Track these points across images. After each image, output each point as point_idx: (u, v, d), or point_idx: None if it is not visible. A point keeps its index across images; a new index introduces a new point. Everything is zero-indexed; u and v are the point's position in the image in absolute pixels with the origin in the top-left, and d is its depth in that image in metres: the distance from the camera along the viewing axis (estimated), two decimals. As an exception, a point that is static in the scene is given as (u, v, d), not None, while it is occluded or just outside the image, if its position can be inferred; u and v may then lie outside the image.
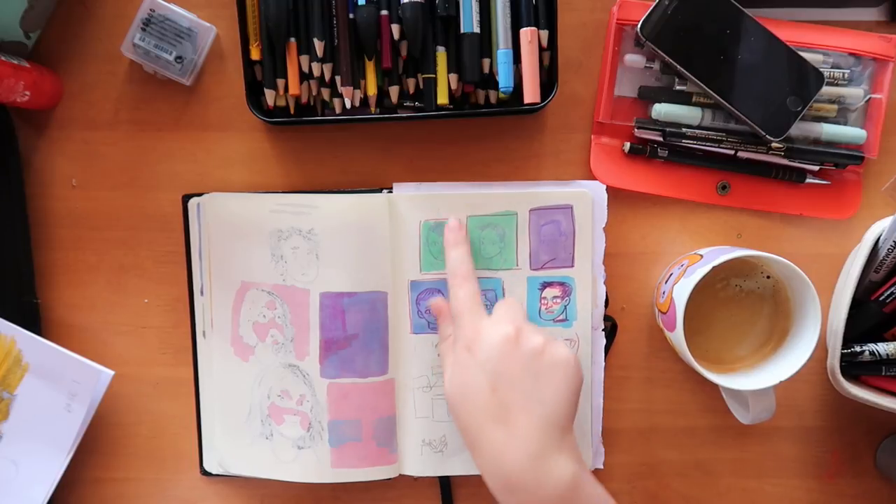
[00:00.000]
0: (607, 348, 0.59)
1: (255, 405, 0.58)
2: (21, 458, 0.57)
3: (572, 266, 0.57)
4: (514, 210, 0.57)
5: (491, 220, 0.57)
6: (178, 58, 0.56)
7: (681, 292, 0.53)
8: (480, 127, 0.59)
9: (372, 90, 0.56)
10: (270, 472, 0.58)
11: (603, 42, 0.58)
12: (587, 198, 0.57)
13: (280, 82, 0.56)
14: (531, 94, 0.54)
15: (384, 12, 0.54)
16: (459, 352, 0.49)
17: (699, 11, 0.55)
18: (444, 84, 0.56)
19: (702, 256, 0.55)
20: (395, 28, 0.54)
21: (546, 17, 0.55)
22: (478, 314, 0.51)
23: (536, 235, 0.57)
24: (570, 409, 0.48)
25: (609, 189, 0.57)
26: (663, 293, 0.56)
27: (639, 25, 0.55)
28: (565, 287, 0.58)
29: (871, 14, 0.58)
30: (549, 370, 0.47)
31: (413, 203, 0.57)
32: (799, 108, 0.56)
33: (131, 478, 0.61)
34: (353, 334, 0.57)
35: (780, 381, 0.53)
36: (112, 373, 0.57)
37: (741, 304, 0.58)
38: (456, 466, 0.58)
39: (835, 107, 0.57)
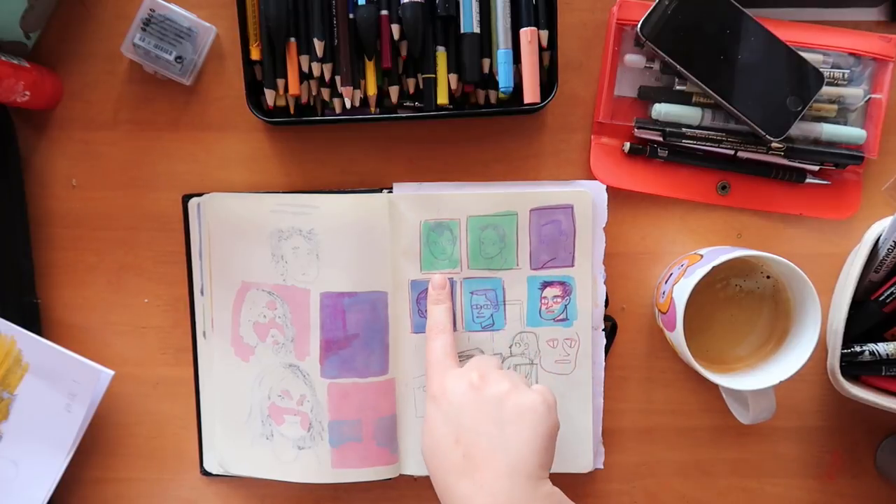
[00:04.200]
0: (607, 348, 0.59)
1: (256, 405, 0.58)
2: (21, 458, 0.57)
3: (572, 266, 0.57)
4: (514, 210, 0.57)
5: (491, 220, 0.57)
6: (178, 58, 0.56)
7: (681, 292, 0.53)
8: (480, 127, 0.59)
9: (372, 90, 0.56)
10: (271, 473, 0.58)
11: (603, 42, 0.58)
12: (587, 198, 0.57)
13: (280, 82, 0.56)
14: (531, 94, 0.54)
15: (384, 12, 0.54)
16: (427, 404, 0.49)
17: (699, 11, 0.55)
18: (444, 84, 0.56)
19: (702, 256, 0.55)
20: (395, 28, 0.54)
21: (546, 17, 0.55)
22: (446, 365, 0.51)
23: (537, 235, 0.57)
24: (540, 456, 0.45)
25: (609, 189, 0.57)
26: (663, 293, 0.56)
27: (639, 25, 0.55)
28: (566, 286, 0.58)
29: (871, 14, 0.58)
30: (514, 417, 0.45)
31: (413, 203, 0.57)
32: (799, 108, 0.56)
33: (131, 478, 0.61)
34: (354, 334, 0.57)
35: (780, 381, 0.53)
36: (112, 373, 0.57)
37: (741, 304, 0.58)
38: (456, 466, 0.58)
39: (835, 107, 0.57)
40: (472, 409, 0.46)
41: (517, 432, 0.45)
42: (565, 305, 0.58)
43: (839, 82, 0.57)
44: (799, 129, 0.57)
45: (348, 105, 0.56)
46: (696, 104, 0.57)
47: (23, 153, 0.58)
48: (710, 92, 0.55)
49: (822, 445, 0.61)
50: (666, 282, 0.57)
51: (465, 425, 0.46)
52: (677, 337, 0.53)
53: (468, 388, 0.47)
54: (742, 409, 0.57)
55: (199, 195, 0.58)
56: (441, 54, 0.55)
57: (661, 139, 0.57)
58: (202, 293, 0.58)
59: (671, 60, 0.55)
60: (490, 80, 0.56)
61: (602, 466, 0.60)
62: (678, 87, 0.57)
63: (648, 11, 0.55)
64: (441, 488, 0.46)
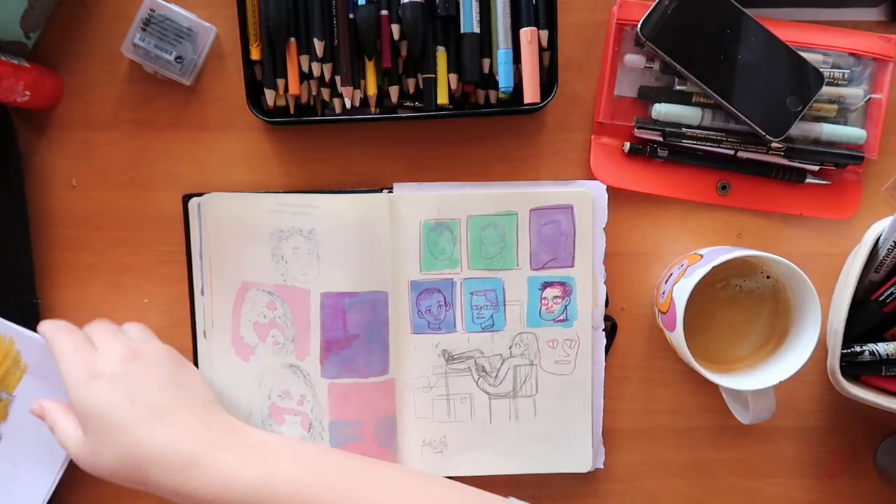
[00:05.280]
0: (607, 348, 0.59)
1: (256, 405, 0.58)
2: (20, 458, 0.57)
3: (573, 266, 0.57)
4: (514, 210, 0.57)
5: (492, 220, 0.57)
6: (178, 58, 0.56)
7: (681, 292, 0.53)
8: (480, 127, 0.59)
9: (372, 90, 0.56)
10: (270, 473, 0.58)
11: (603, 42, 0.58)
12: (587, 198, 0.57)
13: (280, 82, 0.56)
14: (531, 94, 0.54)
15: (384, 12, 0.54)
16: (91, 385, 0.49)
17: (699, 11, 0.55)
18: (444, 84, 0.56)
19: (702, 256, 0.55)
20: (395, 28, 0.54)
21: (546, 17, 0.55)
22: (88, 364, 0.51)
23: (537, 235, 0.57)
24: (207, 391, 0.53)
25: (609, 189, 0.57)
26: (663, 293, 0.56)
27: (639, 25, 0.55)
28: (566, 287, 0.58)
29: (871, 14, 0.58)
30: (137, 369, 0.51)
31: (413, 203, 0.57)
32: (799, 108, 0.56)
33: (131, 478, 0.61)
34: (354, 334, 0.57)
35: (780, 381, 0.53)
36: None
37: (741, 304, 0.58)
38: (456, 467, 0.58)
39: (835, 107, 0.57)
40: (143, 368, 0.50)
41: (190, 376, 0.53)
42: (565, 306, 0.58)
43: (839, 82, 0.57)
44: (799, 129, 0.57)
45: (348, 105, 0.56)
46: (696, 104, 0.57)
47: (23, 153, 0.58)
48: (710, 92, 0.55)
49: (822, 445, 0.61)
50: (666, 282, 0.57)
51: (138, 385, 0.49)
52: (677, 337, 0.53)
53: (128, 353, 0.51)
54: (742, 409, 0.57)
55: (200, 195, 0.58)
56: (441, 54, 0.55)
57: (661, 139, 0.57)
58: (202, 293, 0.58)
59: (671, 60, 0.55)
60: (490, 80, 0.56)
61: (602, 466, 0.60)
62: (678, 87, 0.57)
63: (648, 11, 0.55)
64: (127, 451, 0.48)
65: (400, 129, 0.59)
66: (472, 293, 0.58)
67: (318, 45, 0.54)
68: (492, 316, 0.58)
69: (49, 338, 0.53)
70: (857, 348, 0.55)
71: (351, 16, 0.55)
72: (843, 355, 0.55)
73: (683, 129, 0.57)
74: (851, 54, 0.57)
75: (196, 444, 0.48)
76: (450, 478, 0.60)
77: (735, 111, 0.56)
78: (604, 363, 0.59)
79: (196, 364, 0.59)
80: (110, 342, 0.52)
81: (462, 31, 0.55)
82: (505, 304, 0.58)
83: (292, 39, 0.55)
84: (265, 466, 0.48)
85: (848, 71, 0.57)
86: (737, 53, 0.55)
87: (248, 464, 0.48)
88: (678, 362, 0.60)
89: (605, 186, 0.57)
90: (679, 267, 0.56)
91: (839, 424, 0.61)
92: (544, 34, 0.55)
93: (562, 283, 0.58)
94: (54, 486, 0.57)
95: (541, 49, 0.55)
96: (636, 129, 0.58)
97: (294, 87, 0.56)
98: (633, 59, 0.57)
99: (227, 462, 0.48)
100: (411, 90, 0.57)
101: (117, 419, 0.48)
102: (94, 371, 0.50)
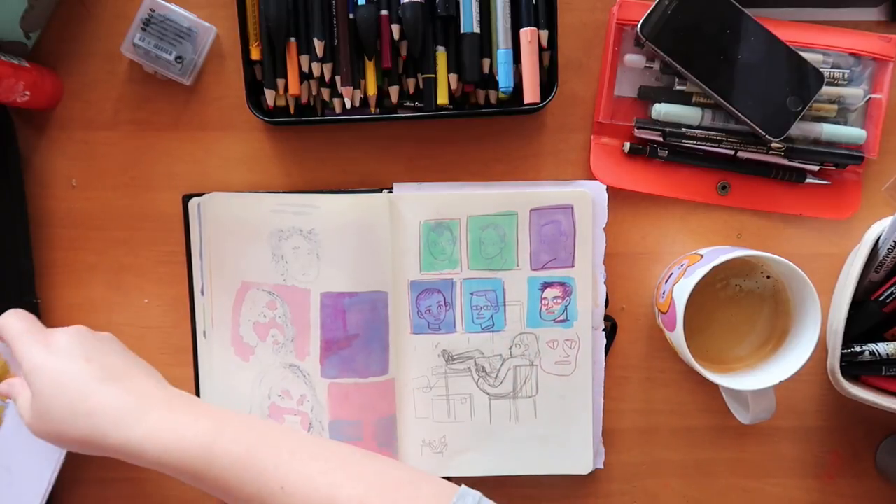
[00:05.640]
0: (607, 348, 0.59)
1: (256, 405, 0.58)
2: (14, 464, 0.57)
3: (573, 266, 0.57)
4: (514, 210, 0.57)
5: (492, 220, 0.57)
6: (178, 58, 0.56)
7: (681, 292, 0.53)
8: (480, 127, 0.59)
9: (372, 90, 0.56)
10: (270, 472, 0.58)
11: (603, 42, 0.58)
12: (587, 198, 0.57)
13: (280, 82, 0.56)
14: (531, 94, 0.54)
15: (384, 12, 0.54)
16: (47, 358, 0.50)
17: (699, 11, 0.55)
18: (444, 84, 0.56)
19: (702, 256, 0.55)
20: (395, 28, 0.54)
21: (546, 17, 0.55)
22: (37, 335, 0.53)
23: (537, 235, 0.57)
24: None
25: (609, 189, 0.57)
26: (663, 293, 0.56)
27: (639, 25, 0.55)
28: (566, 287, 0.58)
29: (871, 14, 0.58)
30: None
31: (413, 203, 0.57)
32: (799, 108, 0.56)
33: (131, 478, 0.61)
34: (354, 334, 0.57)
35: (780, 381, 0.53)
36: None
37: (741, 304, 0.58)
38: (456, 467, 0.58)
39: (835, 107, 0.57)
40: (97, 340, 0.53)
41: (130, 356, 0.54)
42: (565, 306, 0.58)
43: (839, 82, 0.57)
44: (799, 129, 0.57)
45: (348, 105, 0.56)
46: (696, 104, 0.57)
47: (23, 153, 0.58)
48: (710, 92, 0.55)
49: (822, 445, 0.61)
50: (666, 282, 0.57)
51: (93, 349, 0.51)
52: (677, 337, 0.53)
53: (82, 330, 0.53)
54: (742, 409, 0.57)
55: (200, 195, 0.58)
56: (441, 54, 0.55)
57: (661, 139, 0.57)
58: (202, 293, 0.58)
59: (671, 60, 0.55)
60: (490, 80, 0.56)
61: (602, 466, 0.60)
62: (678, 87, 0.57)
63: (648, 11, 0.55)
64: (78, 404, 0.48)
65: (400, 129, 0.59)
66: (472, 293, 0.58)
67: (318, 45, 0.54)
68: (492, 316, 0.58)
69: (1, 324, 0.53)
70: (857, 348, 0.55)
71: (351, 16, 0.55)
72: (843, 355, 0.55)
73: (683, 129, 0.57)
74: (851, 54, 0.57)
75: (148, 401, 0.49)
76: (449, 478, 0.60)
77: (735, 111, 0.56)
78: (604, 363, 0.59)
79: (196, 364, 0.59)
80: (63, 327, 0.54)
81: (462, 31, 0.55)
82: (505, 305, 0.58)
83: (292, 39, 0.55)
84: (215, 428, 0.48)
85: (848, 71, 0.57)
86: (737, 53, 0.55)
87: (198, 423, 0.48)
88: (678, 362, 0.60)
89: (605, 186, 0.57)
90: (679, 267, 0.56)
91: (839, 424, 0.61)
92: (544, 34, 0.55)
93: (562, 284, 0.58)
94: (48, 491, 0.56)
95: (541, 49, 0.55)
96: (636, 129, 0.58)
97: (294, 87, 0.56)
98: (633, 59, 0.57)
99: (178, 419, 0.48)
100: (411, 90, 0.57)
101: (72, 375, 0.49)
102: (50, 346, 0.51)
